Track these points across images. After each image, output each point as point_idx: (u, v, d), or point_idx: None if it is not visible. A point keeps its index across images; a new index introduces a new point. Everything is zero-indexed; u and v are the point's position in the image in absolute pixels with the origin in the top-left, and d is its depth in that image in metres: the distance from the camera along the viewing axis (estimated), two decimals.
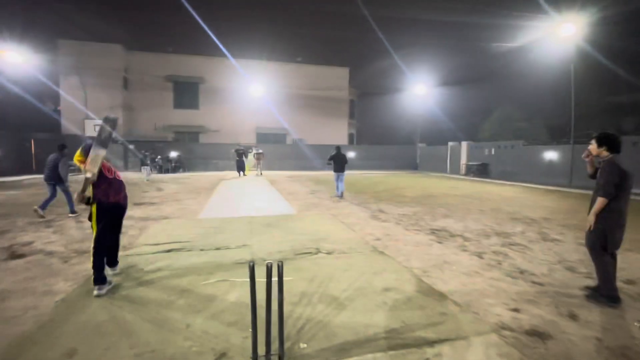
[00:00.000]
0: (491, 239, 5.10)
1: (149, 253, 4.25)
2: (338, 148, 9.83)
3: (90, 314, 2.64)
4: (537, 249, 4.58)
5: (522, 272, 3.70)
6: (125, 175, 16.74)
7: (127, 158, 20.25)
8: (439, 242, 4.90)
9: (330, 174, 10.56)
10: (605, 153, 2.98)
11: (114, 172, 3.35)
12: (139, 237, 5.01)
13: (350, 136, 29.28)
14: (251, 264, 1.93)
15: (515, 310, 2.79)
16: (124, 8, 40.49)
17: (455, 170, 20.49)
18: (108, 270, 3.38)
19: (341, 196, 9.52)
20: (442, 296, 3.05)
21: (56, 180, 6.45)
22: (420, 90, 25.29)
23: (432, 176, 19.10)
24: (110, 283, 3.17)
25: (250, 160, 18.23)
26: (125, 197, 3.48)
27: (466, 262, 4.02)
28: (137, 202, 8.35)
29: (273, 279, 1.91)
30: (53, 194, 6.50)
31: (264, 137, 25.05)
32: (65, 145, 6.61)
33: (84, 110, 20.28)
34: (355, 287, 3.23)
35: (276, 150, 22.71)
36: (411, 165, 25.05)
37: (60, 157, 6.45)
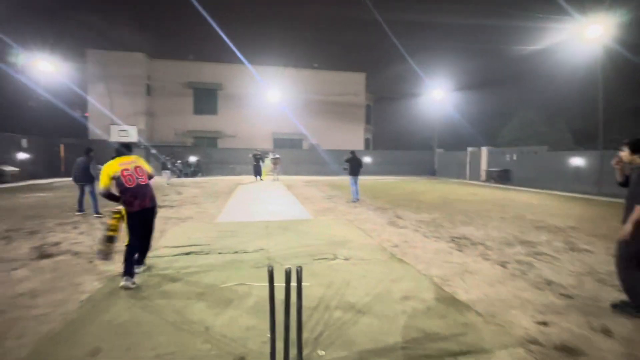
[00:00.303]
0: (514, 248, 4.92)
1: (169, 255, 4.34)
2: (353, 152, 10.09)
3: (113, 314, 2.71)
4: (564, 259, 4.38)
5: (549, 283, 3.54)
6: None
7: (150, 162, 20.88)
8: (460, 250, 4.77)
9: (346, 179, 10.69)
10: (639, 160, 2.82)
11: (136, 180, 3.44)
12: (160, 240, 5.13)
13: (367, 141, 29.14)
14: (270, 268, 1.93)
15: (543, 323, 2.66)
16: (148, 18, 42.18)
17: (474, 176, 19.99)
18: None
19: (356, 200, 9.65)
20: (463, 306, 2.95)
21: (84, 181, 6.97)
22: (438, 95, 24.93)
23: (451, 182, 18.71)
24: (134, 283, 3.26)
25: (267, 165, 18.43)
26: (152, 198, 3.60)
27: (488, 271, 3.89)
28: (158, 206, 8.56)
29: (292, 284, 1.90)
30: (83, 194, 7.12)
31: (280, 142, 25.30)
32: (91, 148, 7.22)
33: (109, 116, 21.13)
34: (374, 294, 3.17)
35: (292, 155, 22.86)
36: (429, 171, 24.63)
37: (89, 160, 6.93)
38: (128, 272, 3.25)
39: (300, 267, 1.95)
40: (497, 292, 3.28)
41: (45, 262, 4.05)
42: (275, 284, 1.97)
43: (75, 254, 4.41)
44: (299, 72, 25.95)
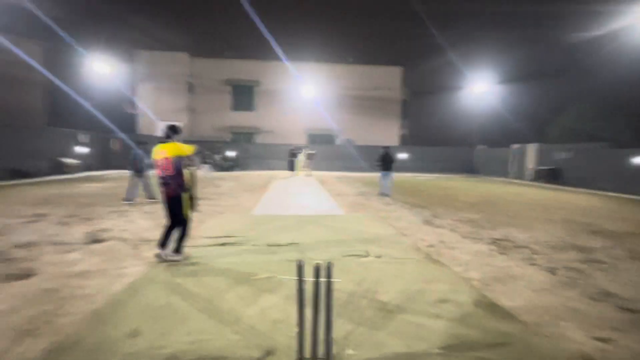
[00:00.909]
0: (565, 253, 4.49)
1: (205, 245, 4.50)
2: (385, 148, 10.46)
3: (152, 298, 2.85)
4: (624, 268, 3.91)
5: (606, 294, 3.17)
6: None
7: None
8: (502, 253, 4.44)
9: (379, 176, 10.68)
10: None
11: (162, 170, 3.69)
12: (198, 230, 5.34)
13: (402, 137, 28.32)
14: (299, 262, 1.89)
15: (602, 339, 2.38)
16: (190, 17, 44.18)
17: (519, 175, 18.66)
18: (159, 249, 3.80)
19: (386, 195, 9.89)
20: (505, 313, 2.73)
21: (138, 171, 7.79)
22: (480, 88, 23.55)
23: (493, 181, 17.64)
24: (161, 256, 3.78)
25: (300, 160, 18.64)
26: (176, 188, 3.74)
27: (535, 277, 3.57)
28: (197, 198, 8.96)
29: (321, 279, 1.86)
30: (136, 184, 7.84)
31: (313, 138, 25.40)
32: (145, 141, 8.18)
33: (155, 113, 22.51)
34: (406, 295, 3.04)
35: (325, 151, 22.85)
36: (468, 168, 23.42)
37: (143, 151, 7.83)
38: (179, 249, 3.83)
39: (330, 262, 1.90)
40: (545, 301, 3.00)
41: (96, 247, 4.38)
42: (306, 279, 1.94)
43: (123, 240, 4.72)
44: (333, 67, 25.79)
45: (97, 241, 4.63)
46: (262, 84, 25.09)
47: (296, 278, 1.90)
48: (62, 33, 19.96)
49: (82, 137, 17.97)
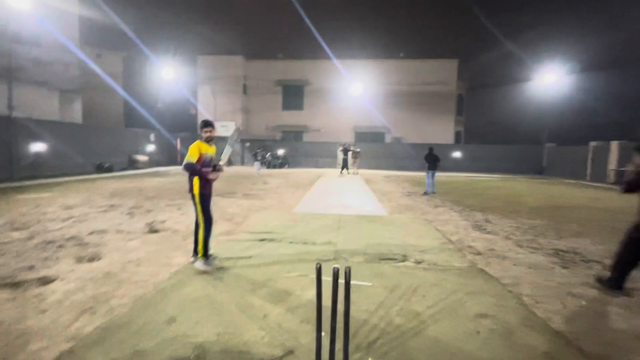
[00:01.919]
0: None
1: (246, 240, 4.70)
2: (430, 149, 10.56)
3: (192, 289, 3.05)
4: None
5: None
6: (241, 170, 19.18)
7: (244, 154, 23.25)
8: (564, 267, 3.92)
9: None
10: None
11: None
12: (242, 225, 5.62)
13: (457, 134, 26.59)
14: (318, 265, 1.86)
15: None
16: (244, 21, 46.49)
17: (599, 177, 16.31)
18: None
19: (428, 194, 10.06)
20: (559, 337, 2.39)
21: None
22: (549, 79, 21.04)
23: (564, 183, 15.70)
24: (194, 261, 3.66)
25: (342, 158, 18.65)
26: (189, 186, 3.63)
27: (603, 298, 3.08)
28: (246, 194, 9.43)
29: (353, 282, 1.80)
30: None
31: (361, 136, 25.10)
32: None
33: (214, 113, 24.20)
34: (443, 306, 2.83)
35: (372, 149, 22.43)
36: (535, 169, 21.16)
37: None
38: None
39: (349, 267, 1.83)
40: (612, 328, 2.57)
41: (152, 236, 4.84)
42: (340, 281, 1.90)
43: (175, 231, 5.15)
44: (383, 63, 25.16)
45: (154, 231, 5.12)
46: (311, 83, 25.48)
47: (330, 279, 1.86)
48: (139, 43, 22.43)
49: (152, 136, 20.05)
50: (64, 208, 6.69)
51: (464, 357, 2.13)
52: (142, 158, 18.16)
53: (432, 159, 10.18)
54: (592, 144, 17.18)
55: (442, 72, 24.78)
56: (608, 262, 4.12)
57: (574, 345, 2.30)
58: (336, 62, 23.92)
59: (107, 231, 5.04)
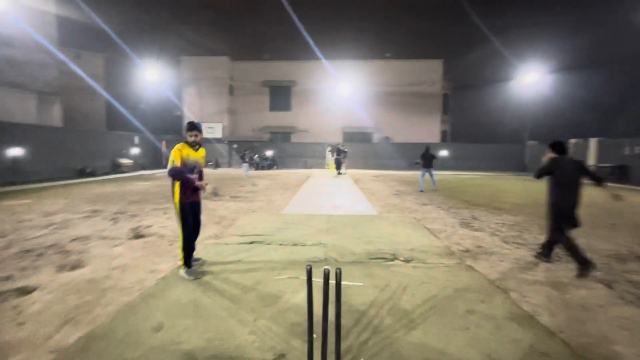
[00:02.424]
0: (627, 265, 3.95)
1: (234, 243, 4.63)
2: (427, 147, 10.88)
3: (179, 294, 2.99)
4: None
5: None
6: (229, 172, 18.95)
7: (232, 156, 23.01)
8: (548, 262, 4.02)
9: (417, 174, 10.91)
10: None
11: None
12: (229, 228, 5.54)
13: (443, 133, 27.03)
14: (308, 267, 1.85)
15: None
16: (229, 21, 46.03)
17: None
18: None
19: (423, 191, 10.40)
20: (545, 331, 2.45)
21: None
22: (530, 79, 21.65)
23: (545, 180, 16.13)
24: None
25: (330, 158, 18.67)
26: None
27: (586, 292, 3.17)
28: (235, 196, 9.31)
29: (344, 282, 1.79)
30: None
31: (350, 136, 25.21)
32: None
33: (199, 115, 23.84)
34: (432, 303, 2.86)
35: (360, 149, 22.57)
36: (518, 166, 21.72)
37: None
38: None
39: (339, 268, 1.83)
40: (595, 319, 2.65)
41: (137, 242, 4.72)
42: (331, 282, 1.89)
43: (161, 236, 5.04)
44: (370, 64, 25.35)
45: (139, 237, 4.99)
46: (298, 84, 25.44)
47: (320, 280, 1.85)
48: (120, 44, 21.89)
49: (136, 139, 19.59)
50: (43, 215, 6.45)
51: (452, 353, 2.16)
52: (126, 161, 17.74)
53: (429, 158, 10.58)
54: (572, 141, 17.75)
55: (428, 72, 25.15)
56: (591, 255, 4.26)
57: (557, 336, 2.36)
58: (324, 63, 23.97)
59: (90, 238, 4.89)
